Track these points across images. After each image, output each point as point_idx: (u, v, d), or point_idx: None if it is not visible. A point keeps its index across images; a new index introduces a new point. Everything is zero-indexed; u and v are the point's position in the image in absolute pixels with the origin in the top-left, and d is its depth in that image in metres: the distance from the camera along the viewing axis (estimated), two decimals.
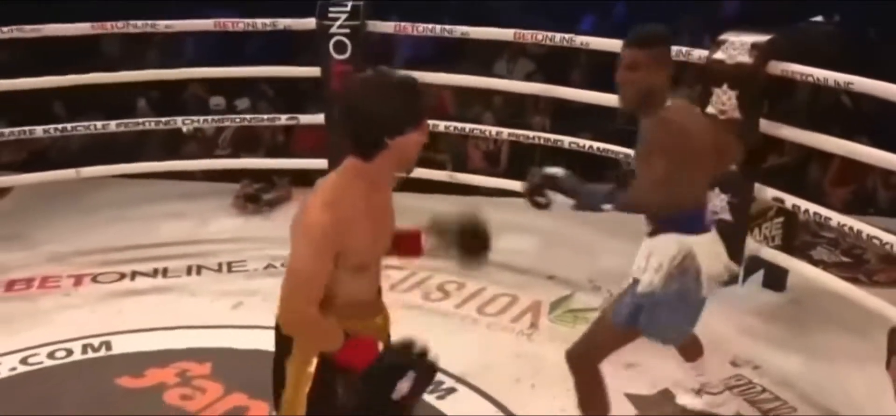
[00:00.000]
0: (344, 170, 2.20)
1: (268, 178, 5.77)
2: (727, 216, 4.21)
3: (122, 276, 4.70)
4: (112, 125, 5.34)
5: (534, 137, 5.21)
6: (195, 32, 6.73)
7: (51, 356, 3.87)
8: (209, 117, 6.10)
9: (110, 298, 4.47)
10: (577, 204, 2.85)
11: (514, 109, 6.64)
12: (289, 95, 6.81)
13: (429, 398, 3.56)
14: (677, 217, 2.89)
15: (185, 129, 7.22)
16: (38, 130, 5.15)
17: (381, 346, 2.33)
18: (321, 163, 5.05)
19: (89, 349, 3.93)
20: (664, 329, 3.02)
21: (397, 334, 3.91)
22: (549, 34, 4.73)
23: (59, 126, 5.35)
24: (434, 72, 5.06)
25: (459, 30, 4.92)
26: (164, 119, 5.61)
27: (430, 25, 4.91)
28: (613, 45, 4.61)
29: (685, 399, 3.52)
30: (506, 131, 5.40)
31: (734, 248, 4.21)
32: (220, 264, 4.83)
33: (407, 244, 2.45)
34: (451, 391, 3.62)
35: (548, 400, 3.53)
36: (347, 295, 2.21)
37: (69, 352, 3.89)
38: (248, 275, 4.72)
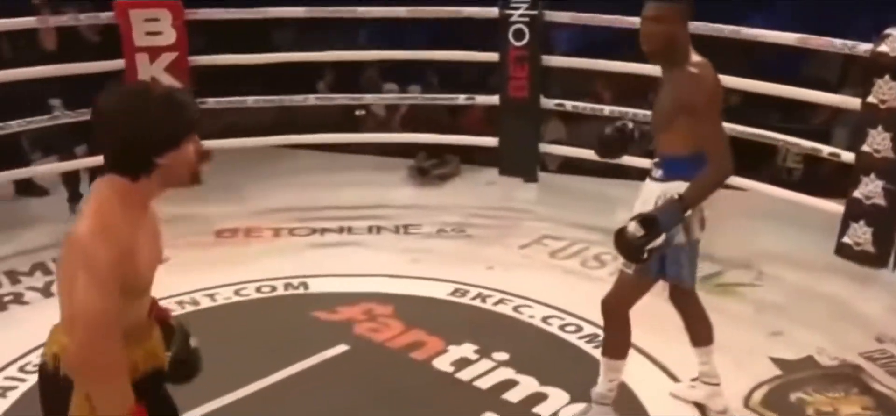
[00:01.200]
0: (109, 192, 1.97)
1: (440, 155, 6.29)
2: (881, 202, 4.36)
3: (313, 231, 5.32)
4: (311, 99, 5.97)
5: None
6: (366, 22, 7.40)
7: (258, 290, 4.50)
8: (397, 95, 6.63)
9: (304, 248, 5.09)
10: (667, 236, 2.99)
11: None
12: (452, 83, 7.34)
13: (586, 347, 3.97)
14: (690, 164, 3.03)
15: (358, 112, 7.96)
16: (249, 100, 5.84)
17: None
18: (491, 141, 5.52)
19: (289, 287, 4.54)
20: (685, 274, 3.22)
21: (557, 295, 4.37)
22: (718, 26, 4.92)
23: (262, 98, 5.98)
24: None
25: (630, 20, 5.21)
26: (357, 95, 6.19)
27: (607, 16, 5.24)
28: (783, 38, 4.88)
29: (677, 389, 3.59)
30: None
31: (884, 234, 4.39)
32: (397, 227, 5.38)
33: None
34: None
35: (687, 349, 3.85)
36: (128, 322, 2.01)
37: (273, 288, 4.52)
38: (423, 237, 5.24)
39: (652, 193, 3.14)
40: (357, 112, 7.79)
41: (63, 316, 2.02)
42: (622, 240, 3.00)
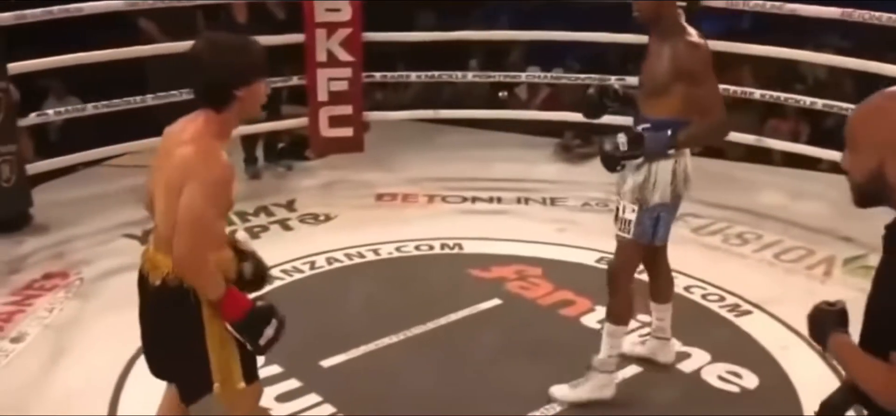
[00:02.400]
0: (203, 124, 2.36)
1: (584, 135, 6.53)
2: None
3: (465, 199, 5.67)
4: (470, 76, 6.35)
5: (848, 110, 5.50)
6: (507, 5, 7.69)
7: (417, 248, 4.89)
8: (547, 76, 6.91)
9: (457, 214, 5.46)
10: (645, 160, 3.23)
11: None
12: (594, 67, 7.53)
13: (727, 314, 4.16)
14: (678, 127, 3.18)
15: (501, 94, 8.28)
16: (412, 76, 6.28)
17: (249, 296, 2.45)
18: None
19: (445, 247, 4.91)
20: (665, 232, 3.37)
21: (699, 267, 4.57)
22: (877, 13, 4.98)
23: (425, 73, 6.36)
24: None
25: (788, 6, 5.28)
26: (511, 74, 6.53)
27: (761, 1, 5.36)
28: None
29: (627, 346, 3.67)
30: (820, 102, 5.67)
31: None
32: (544, 199, 5.68)
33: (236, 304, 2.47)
34: (747, 312, 4.18)
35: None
36: (219, 236, 2.43)
37: (430, 247, 4.90)
38: (569, 209, 5.52)
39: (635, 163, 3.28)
40: (500, 94, 8.12)
41: (159, 235, 2.44)
42: (606, 148, 3.22)
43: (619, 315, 3.44)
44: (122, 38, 5.65)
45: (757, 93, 5.68)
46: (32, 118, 5.26)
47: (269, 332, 2.45)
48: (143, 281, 2.55)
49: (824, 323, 1.95)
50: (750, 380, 3.62)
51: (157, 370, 2.66)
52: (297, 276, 4.52)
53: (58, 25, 5.05)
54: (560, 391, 3.46)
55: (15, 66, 4.78)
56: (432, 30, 7.85)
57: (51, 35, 5.18)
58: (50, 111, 5.50)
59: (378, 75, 6.01)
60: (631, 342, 3.75)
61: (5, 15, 4.69)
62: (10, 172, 4.76)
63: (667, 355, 3.70)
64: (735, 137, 5.88)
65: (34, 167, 5.14)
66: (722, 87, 5.78)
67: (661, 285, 3.65)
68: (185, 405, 2.63)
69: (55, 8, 4.94)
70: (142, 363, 3.67)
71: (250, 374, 2.57)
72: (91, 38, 5.37)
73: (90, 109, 5.32)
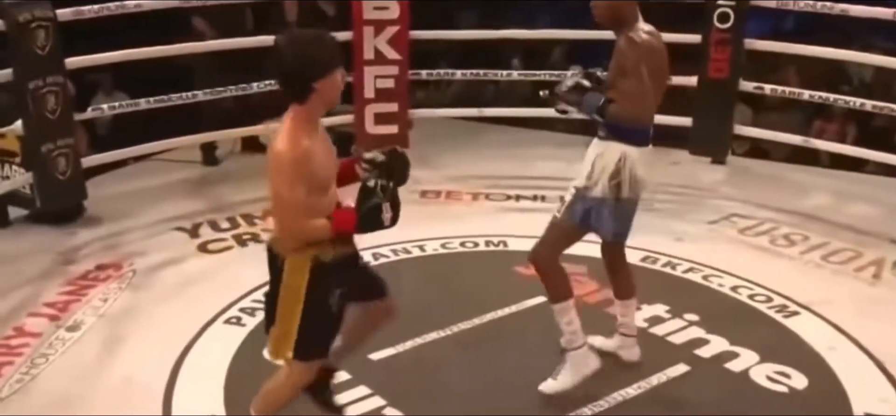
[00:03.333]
0: (289, 118, 2.63)
1: None
2: None
3: (509, 197, 5.69)
4: (515, 75, 6.35)
5: None
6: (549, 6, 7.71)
7: (462, 244, 4.92)
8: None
9: (501, 211, 5.48)
10: (579, 111, 3.38)
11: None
12: None
13: (775, 315, 4.15)
14: (630, 129, 3.28)
15: (542, 93, 8.26)
16: (458, 73, 6.31)
17: (350, 203, 2.76)
18: (684, 120, 5.70)
19: (490, 244, 4.93)
20: (609, 228, 3.42)
21: (746, 267, 4.55)
22: (810, 1, 5.01)
23: (470, 71, 6.41)
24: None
25: (839, 7, 5.26)
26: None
27: (811, 1, 5.34)
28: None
29: (596, 340, 3.69)
30: (870, 104, 5.63)
31: None
32: None
33: (345, 173, 2.86)
34: (795, 313, 4.16)
35: (887, 328, 3.96)
36: (321, 210, 2.69)
37: (475, 244, 4.93)
38: None
39: (592, 151, 3.40)
40: (541, 93, 8.10)
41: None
42: (556, 85, 3.43)
43: (557, 293, 3.48)
44: (173, 35, 5.75)
45: (805, 94, 5.63)
46: (88, 112, 5.38)
47: (386, 217, 2.72)
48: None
49: None
50: (799, 380, 3.61)
51: (267, 323, 2.90)
52: None
53: (108, 22, 5.16)
54: (548, 385, 3.49)
55: (72, 61, 4.89)
56: (474, 29, 7.91)
57: (101, 31, 5.31)
58: (104, 106, 5.60)
59: (424, 73, 6.06)
60: (601, 338, 3.76)
61: (64, 11, 4.81)
62: (66, 165, 4.87)
63: (631, 353, 3.70)
64: (781, 137, 5.92)
65: (88, 160, 5.24)
66: (769, 87, 5.86)
67: (619, 282, 3.69)
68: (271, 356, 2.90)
69: (112, 3, 5.04)
70: (196, 352, 3.81)
71: (307, 355, 2.81)
72: (140, 35, 5.49)
73: (144, 104, 5.42)
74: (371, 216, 2.69)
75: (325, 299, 2.76)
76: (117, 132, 6.96)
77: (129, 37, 5.41)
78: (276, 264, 2.79)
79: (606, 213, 3.39)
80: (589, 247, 4.77)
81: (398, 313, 3.12)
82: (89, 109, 5.48)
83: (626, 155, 3.31)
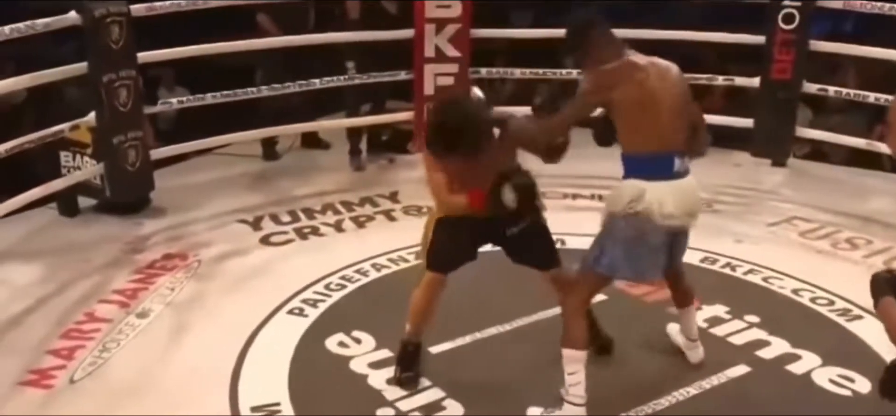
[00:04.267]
0: None
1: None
2: None
3: (566, 196, 5.69)
4: (574, 73, 6.32)
5: None
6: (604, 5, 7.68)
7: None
8: None
9: (558, 210, 5.36)
10: None
11: None
12: (691, 66, 7.45)
13: (837, 318, 4.11)
14: (636, 161, 3.18)
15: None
16: (516, 72, 6.40)
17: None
18: (746, 122, 5.65)
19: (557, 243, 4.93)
20: (625, 269, 3.30)
21: (807, 270, 4.50)
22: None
23: (529, 70, 6.44)
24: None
25: None
26: None
27: (879, 3, 5.27)
28: None
29: (672, 329, 3.77)
30: None
31: None
32: None
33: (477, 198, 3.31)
34: (859, 317, 4.10)
35: None
36: (450, 186, 3.37)
37: None
38: None
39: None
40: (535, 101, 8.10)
41: None
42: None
43: (569, 340, 3.32)
44: (237, 31, 5.87)
45: (871, 96, 5.55)
46: (158, 106, 5.52)
47: (509, 197, 3.23)
48: None
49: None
50: (862, 385, 3.57)
51: None
52: (404, 265, 4.63)
53: (172, 18, 5.28)
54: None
55: (144, 56, 5.02)
56: (528, 27, 7.92)
57: (164, 27, 5.42)
58: (173, 100, 5.74)
59: (483, 71, 6.09)
60: (676, 327, 3.78)
61: (138, 6, 4.95)
62: (135, 157, 5.01)
63: (695, 354, 3.68)
64: (845, 140, 5.83)
65: (155, 153, 5.38)
66: (833, 89, 5.79)
67: (675, 294, 3.67)
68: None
69: (183, 0, 5.16)
70: (260, 341, 3.90)
71: (437, 267, 3.48)
72: (203, 31, 5.61)
73: (209, 99, 5.55)
74: (493, 198, 3.24)
75: (445, 238, 3.46)
76: (180, 127, 7.12)
77: (192, 33, 5.53)
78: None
79: (618, 252, 3.26)
80: None
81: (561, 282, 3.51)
82: (159, 102, 5.60)
83: (636, 189, 3.18)
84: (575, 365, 3.29)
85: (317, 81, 5.78)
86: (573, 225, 5.14)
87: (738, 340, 3.91)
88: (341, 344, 3.83)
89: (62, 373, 3.62)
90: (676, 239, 3.36)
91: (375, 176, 6.06)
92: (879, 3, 5.28)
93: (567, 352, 3.30)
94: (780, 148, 5.90)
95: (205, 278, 4.52)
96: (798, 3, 5.52)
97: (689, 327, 3.70)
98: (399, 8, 5.93)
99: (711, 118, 6.39)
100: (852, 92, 5.69)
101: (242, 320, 4.04)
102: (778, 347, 3.84)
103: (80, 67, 4.80)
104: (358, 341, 3.85)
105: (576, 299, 3.39)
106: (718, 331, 3.98)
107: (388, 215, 5.38)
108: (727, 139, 6.55)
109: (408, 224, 5.23)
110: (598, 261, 3.33)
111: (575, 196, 5.70)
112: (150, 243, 4.92)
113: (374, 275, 4.52)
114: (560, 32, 6.33)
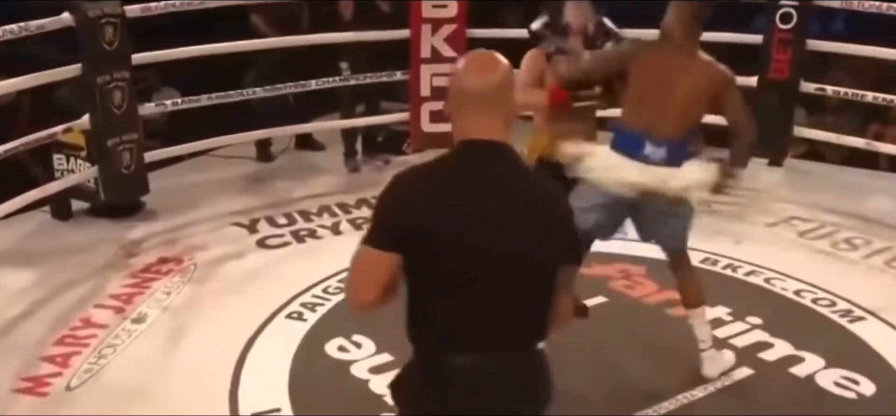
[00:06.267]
0: None
1: None
2: None
3: None
4: None
5: None
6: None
7: None
8: None
9: None
10: None
11: None
12: None
13: (839, 320, 4.09)
14: (615, 130, 3.44)
15: (596, 90, 8.22)
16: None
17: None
18: None
19: None
20: (585, 226, 3.26)
21: (807, 271, 4.49)
22: None
23: None
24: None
25: None
26: None
27: (876, 3, 5.26)
28: None
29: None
30: None
31: None
32: None
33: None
34: (861, 318, 4.09)
35: None
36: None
37: None
38: None
39: None
40: (596, 89, 8.05)
41: None
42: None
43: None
44: (229, 32, 5.81)
45: (869, 95, 5.55)
46: (152, 108, 5.46)
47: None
48: None
49: None
50: (867, 387, 3.56)
51: None
52: None
53: (164, 19, 5.20)
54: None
55: (138, 58, 4.96)
56: (518, 27, 7.87)
57: (155, 28, 5.35)
58: (168, 102, 5.67)
59: None
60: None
61: (133, 7, 4.88)
62: (130, 160, 4.95)
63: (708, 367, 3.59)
64: (843, 140, 5.82)
65: (150, 155, 5.31)
66: (830, 88, 5.79)
67: (686, 294, 3.63)
68: None
69: (178, 0, 5.10)
70: (259, 346, 3.85)
71: None
72: (197, 32, 5.55)
73: (205, 100, 5.49)
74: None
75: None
76: (172, 128, 7.04)
77: (185, 33, 5.46)
78: None
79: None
80: (650, 248, 4.75)
81: None
82: (152, 104, 5.55)
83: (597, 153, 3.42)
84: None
85: (312, 81, 5.73)
86: None
87: (740, 342, 3.89)
88: (341, 349, 3.79)
89: (58, 380, 3.56)
90: (645, 215, 3.49)
91: (371, 178, 6.00)
92: (877, 3, 5.26)
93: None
94: (777, 148, 5.87)
95: (201, 282, 4.46)
96: (796, 3, 5.50)
97: (698, 333, 3.61)
98: (393, 8, 5.87)
99: (710, 118, 6.41)
100: (851, 92, 5.67)
101: (241, 324, 3.99)
102: (781, 349, 3.82)
103: (74, 69, 4.74)
104: (358, 345, 3.81)
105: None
106: (721, 333, 3.95)
107: None
108: (723, 138, 6.53)
109: None
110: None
111: None
112: (145, 247, 4.86)
113: None
114: None
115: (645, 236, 3.64)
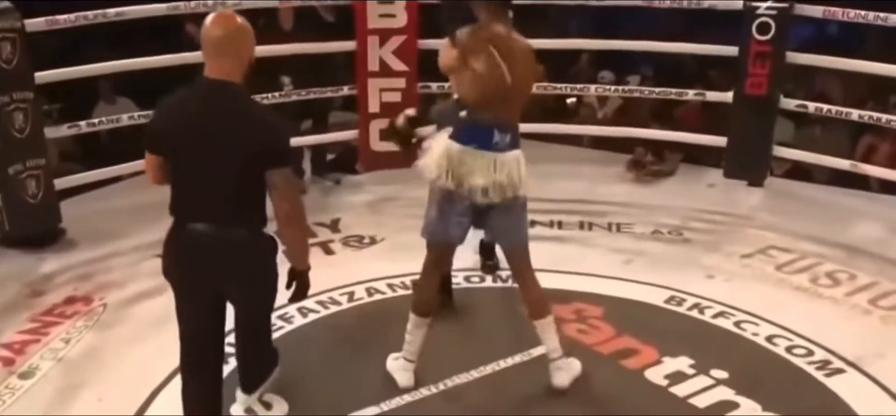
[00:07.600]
0: None
1: (658, 151, 6.02)
2: None
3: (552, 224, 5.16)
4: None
5: None
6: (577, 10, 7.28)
7: (466, 279, 4.43)
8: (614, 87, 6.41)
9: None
10: None
11: None
12: (672, 71, 7.03)
13: (815, 373, 3.64)
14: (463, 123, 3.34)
15: (570, 102, 7.79)
16: None
17: None
18: (717, 140, 5.17)
19: (498, 279, 4.45)
20: (436, 230, 3.49)
21: (783, 312, 4.04)
22: None
23: None
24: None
25: (894, 17, 4.79)
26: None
27: (862, 12, 4.84)
28: None
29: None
30: None
31: None
32: (609, 224, 5.17)
33: None
34: (840, 371, 3.64)
35: None
36: None
37: (481, 279, 4.46)
38: (637, 237, 5.00)
39: None
40: (568, 102, 7.63)
41: None
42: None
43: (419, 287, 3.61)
44: (170, 43, 5.39)
45: (854, 113, 5.09)
46: (63, 129, 5.01)
47: None
48: None
49: None
50: None
51: None
52: (333, 308, 4.16)
53: (103, 30, 4.83)
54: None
55: (42, 75, 4.51)
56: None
57: (98, 40, 4.96)
58: (82, 123, 5.21)
59: (434, 86, 5.58)
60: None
61: (36, 20, 4.44)
62: (36, 188, 4.50)
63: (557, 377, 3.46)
64: (825, 160, 5.37)
65: (63, 182, 4.86)
66: (813, 105, 5.36)
67: (530, 304, 3.52)
68: None
69: (90, 12, 4.66)
70: (160, 402, 3.41)
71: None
72: (141, 43, 5.15)
73: (126, 119, 5.05)
74: None
75: None
76: (119, 144, 6.62)
77: (132, 42, 5.08)
78: None
79: (434, 215, 3.51)
80: (610, 284, 4.35)
81: None
82: (96, 119, 5.12)
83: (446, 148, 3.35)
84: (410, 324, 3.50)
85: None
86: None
87: (701, 401, 3.44)
88: (249, 412, 3.34)
89: None
90: (490, 211, 3.40)
91: (318, 201, 5.55)
92: (862, 12, 4.81)
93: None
94: (756, 168, 5.42)
95: (106, 327, 4.02)
96: (773, 12, 5.02)
97: (546, 343, 3.46)
98: (337, 15, 5.40)
99: (682, 135, 5.99)
100: (835, 109, 5.21)
101: (141, 377, 3.56)
102: (747, 409, 3.38)
103: None
104: (268, 406, 3.36)
105: (422, 267, 3.56)
106: (680, 390, 3.50)
107: (326, 248, 4.87)
108: (701, 158, 6.10)
109: (346, 259, 4.75)
110: (424, 228, 3.52)
111: (532, 223, 5.09)
112: (55, 283, 4.42)
113: (299, 321, 4.04)
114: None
115: (494, 233, 3.64)
